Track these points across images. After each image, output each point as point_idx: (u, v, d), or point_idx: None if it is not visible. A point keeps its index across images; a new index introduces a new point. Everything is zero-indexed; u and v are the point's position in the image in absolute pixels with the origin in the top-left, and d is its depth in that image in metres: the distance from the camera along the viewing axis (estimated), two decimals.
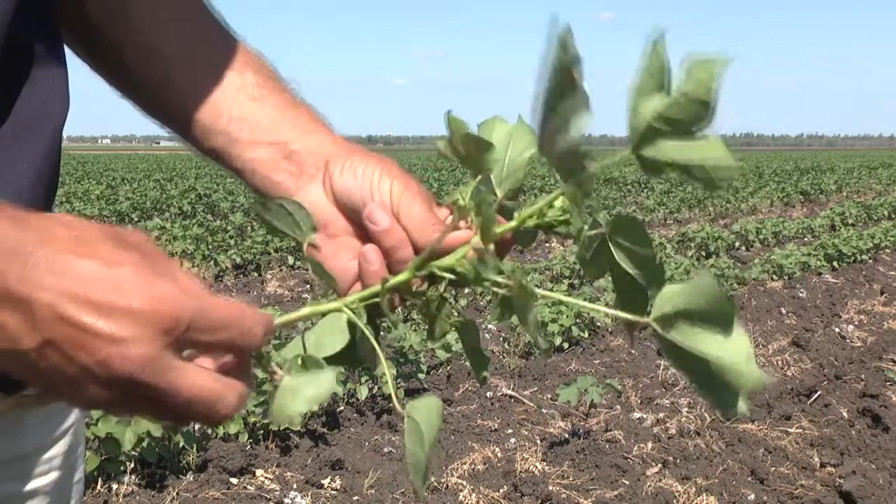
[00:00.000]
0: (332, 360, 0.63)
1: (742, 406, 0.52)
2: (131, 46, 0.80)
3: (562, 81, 0.48)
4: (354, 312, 0.63)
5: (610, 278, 0.59)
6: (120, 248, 0.52)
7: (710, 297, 0.51)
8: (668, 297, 0.53)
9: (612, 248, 0.57)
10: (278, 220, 0.65)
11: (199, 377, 0.53)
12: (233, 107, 0.78)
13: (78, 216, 0.53)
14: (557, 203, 0.60)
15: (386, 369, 0.62)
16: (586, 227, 0.57)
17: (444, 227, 0.66)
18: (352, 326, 0.64)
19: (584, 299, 5.44)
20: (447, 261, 0.62)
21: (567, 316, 5.22)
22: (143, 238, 0.54)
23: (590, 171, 0.55)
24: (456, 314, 0.66)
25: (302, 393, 0.57)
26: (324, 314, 0.64)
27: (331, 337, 0.64)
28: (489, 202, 0.60)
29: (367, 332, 0.62)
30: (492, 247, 0.62)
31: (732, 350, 0.51)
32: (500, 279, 0.60)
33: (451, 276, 0.62)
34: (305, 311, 0.63)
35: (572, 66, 0.48)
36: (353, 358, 0.65)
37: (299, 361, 0.59)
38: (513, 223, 0.61)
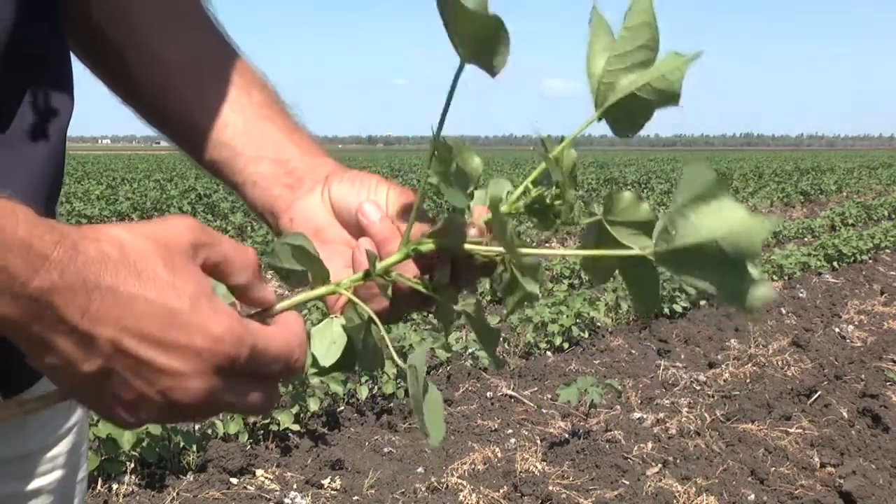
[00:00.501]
0: (330, 369, 0.64)
1: (765, 291, 0.51)
2: (133, 50, 0.80)
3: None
4: (352, 296, 0.64)
5: (614, 280, 0.59)
6: (176, 274, 0.53)
7: (697, 180, 0.50)
8: (661, 217, 0.54)
9: (611, 230, 0.57)
10: (285, 259, 0.65)
11: (248, 400, 0.57)
12: (237, 121, 0.79)
13: (125, 224, 0.54)
14: (542, 188, 0.60)
15: (387, 340, 0.62)
16: (575, 195, 0.58)
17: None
18: (348, 330, 0.64)
19: (584, 300, 5.44)
20: (439, 242, 0.63)
21: (567, 316, 5.22)
22: (188, 231, 0.55)
23: (563, 146, 0.57)
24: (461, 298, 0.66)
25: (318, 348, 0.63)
26: (319, 297, 0.65)
27: (325, 347, 0.64)
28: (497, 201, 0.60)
29: (370, 312, 0.63)
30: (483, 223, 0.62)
31: (729, 218, 0.50)
32: (489, 249, 0.60)
33: (432, 245, 0.63)
34: (301, 297, 0.64)
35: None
36: (349, 363, 0.65)
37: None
38: (503, 208, 0.61)
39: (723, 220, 0.49)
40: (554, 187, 0.60)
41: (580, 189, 0.61)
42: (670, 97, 0.55)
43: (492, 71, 0.55)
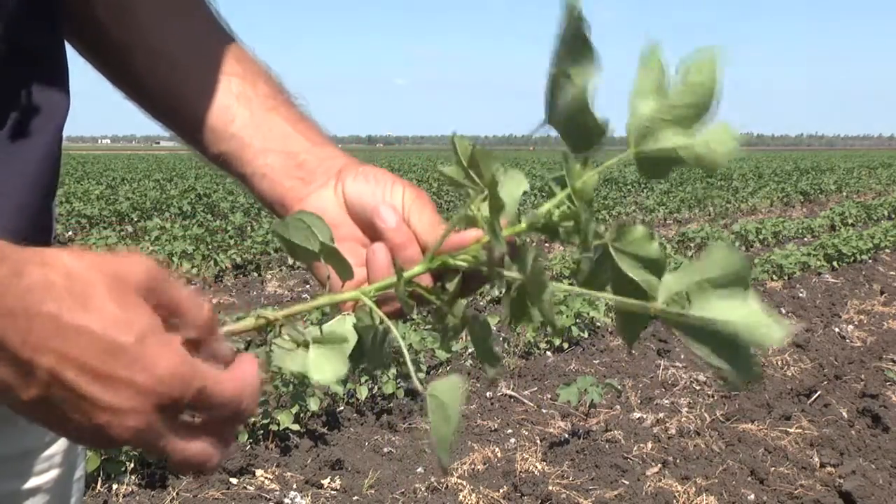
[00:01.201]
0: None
1: (757, 371, 0.53)
2: (139, 48, 0.80)
3: (568, 38, 0.49)
4: (373, 302, 0.63)
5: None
6: (124, 308, 0.50)
7: (726, 265, 0.51)
8: (674, 280, 0.54)
9: (615, 255, 0.57)
10: (297, 235, 0.64)
11: (189, 447, 0.53)
12: (244, 114, 0.79)
13: (75, 251, 0.51)
14: (562, 209, 0.60)
15: (405, 351, 0.62)
16: (592, 225, 0.57)
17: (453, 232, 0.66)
18: (359, 328, 0.64)
19: (584, 300, 5.44)
20: (461, 256, 0.63)
21: (567, 316, 5.22)
22: (144, 271, 0.52)
23: (590, 174, 0.55)
24: (467, 311, 0.66)
25: (323, 367, 0.61)
26: (339, 304, 0.65)
27: (335, 347, 0.64)
28: (500, 206, 0.59)
29: (387, 321, 0.63)
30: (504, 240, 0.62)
31: (752, 309, 0.51)
32: (513, 273, 0.60)
33: (464, 265, 0.62)
34: (323, 300, 0.63)
35: (579, 23, 0.48)
36: (357, 358, 0.65)
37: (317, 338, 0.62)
38: (522, 225, 0.61)
39: (744, 312, 0.51)
40: (567, 209, 0.60)
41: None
42: (709, 166, 0.54)
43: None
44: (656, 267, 0.56)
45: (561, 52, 0.52)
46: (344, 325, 0.64)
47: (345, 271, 0.65)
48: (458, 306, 0.65)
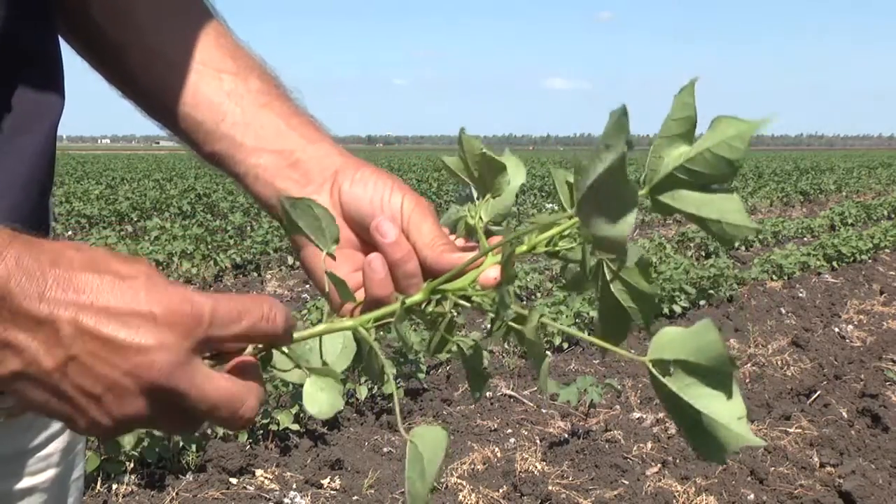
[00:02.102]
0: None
1: (725, 459, 0.52)
2: (134, 47, 0.80)
3: (613, 177, 0.48)
4: (368, 332, 0.63)
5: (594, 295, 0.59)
6: (128, 263, 0.53)
7: (711, 355, 0.50)
8: (668, 341, 0.53)
9: (608, 276, 0.57)
10: (304, 219, 0.63)
11: (223, 380, 0.54)
12: (236, 111, 0.78)
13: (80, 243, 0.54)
14: (566, 240, 0.60)
15: (392, 383, 0.62)
16: (592, 263, 0.57)
17: (453, 247, 0.66)
18: (357, 339, 0.64)
19: (583, 300, 5.44)
20: (459, 283, 0.62)
21: (567, 316, 5.22)
22: (143, 259, 0.55)
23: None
24: (462, 335, 0.66)
25: (318, 398, 0.59)
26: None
27: (337, 352, 0.63)
28: (513, 240, 0.59)
29: (379, 353, 0.62)
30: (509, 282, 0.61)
31: (727, 409, 0.50)
32: (517, 310, 0.59)
33: (467, 305, 0.62)
34: (321, 328, 0.63)
35: (624, 161, 0.47)
36: (357, 361, 0.65)
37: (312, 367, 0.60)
38: (523, 247, 0.60)
39: (718, 406, 0.50)
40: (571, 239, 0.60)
41: None
42: (723, 242, 0.54)
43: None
44: (645, 300, 0.57)
45: (602, 179, 0.50)
46: (339, 336, 0.63)
47: (346, 294, 0.64)
48: (448, 325, 0.64)
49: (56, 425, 0.84)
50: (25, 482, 0.81)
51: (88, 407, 0.51)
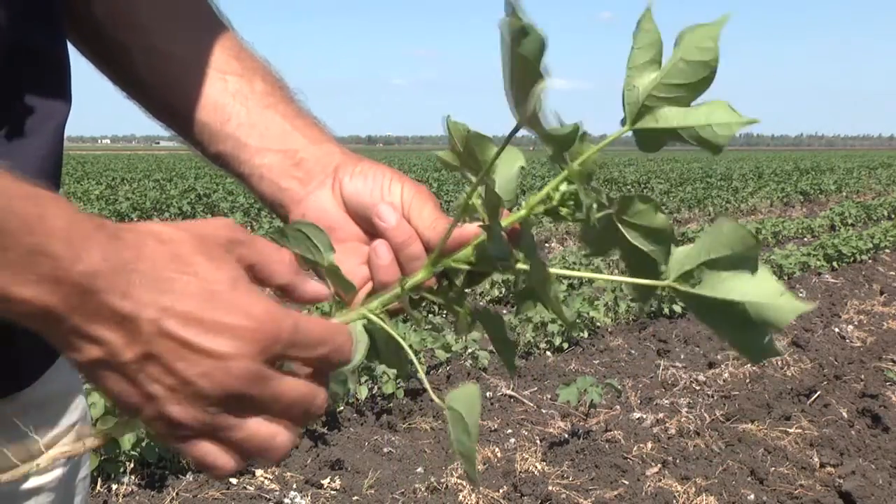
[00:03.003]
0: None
1: (777, 347, 0.51)
2: (139, 48, 0.80)
3: (512, 59, 0.47)
4: (380, 318, 0.63)
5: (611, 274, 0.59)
6: (213, 260, 0.53)
7: (734, 241, 0.50)
8: (685, 255, 0.52)
9: (622, 227, 0.56)
10: (296, 245, 0.64)
11: (295, 382, 0.55)
12: (241, 112, 0.78)
13: (156, 223, 0.55)
14: (563, 187, 0.59)
15: (417, 364, 0.62)
16: (594, 205, 0.56)
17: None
18: (368, 330, 0.64)
19: (583, 300, 5.44)
20: (462, 255, 0.62)
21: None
22: (224, 227, 0.56)
23: (589, 154, 0.54)
24: (477, 306, 0.66)
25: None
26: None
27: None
28: (492, 187, 0.59)
29: (395, 336, 0.62)
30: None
31: (763, 287, 0.50)
32: (513, 263, 0.59)
33: (467, 267, 0.62)
34: (333, 321, 0.63)
35: (520, 38, 0.46)
36: (372, 357, 0.65)
37: None
38: (521, 212, 0.60)
39: (756, 289, 0.50)
40: (568, 191, 0.59)
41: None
42: (711, 147, 0.53)
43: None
44: (664, 237, 0.55)
45: (508, 66, 0.49)
46: (355, 326, 0.64)
47: (347, 288, 0.64)
48: (466, 302, 0.65)
49: (62, 426, 0.84)
50: (32, 482, 0.81)
51: (161, 400, 0.52)
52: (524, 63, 0.47)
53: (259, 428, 0.55)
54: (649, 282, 0.55)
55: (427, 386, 0.62)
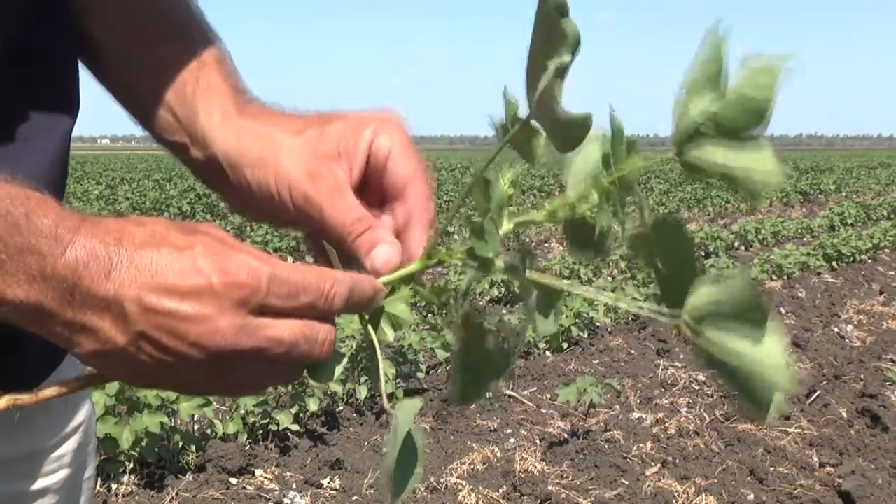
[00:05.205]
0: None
1: (775, 409, 0.49)
2: (127, 61, 0.79)
3: (542, 21, 0.45)
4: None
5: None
6: (189, 234, 0.54)
7: (742, 298, 0.48)
8: (701, 297, 0.50)
9: (652, 246, 0.53)
10: None
11: (290, 322, 0.54)
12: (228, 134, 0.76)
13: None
14: (592, 197, 0.56)
15: (382, 374, 0.61)
16: (614, 225, 0.54)
17: (366, 224, 0.64)
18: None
19: (583, 300, 5.44)
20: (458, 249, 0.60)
21: (566, 316, 5.22)
22: (212, 225, 0.56)
23: (633, 160, 0.52)
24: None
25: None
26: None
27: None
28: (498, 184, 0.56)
29: (376, 343, 0.61)
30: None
31: (766, 352, 0.48)
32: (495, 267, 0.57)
33: (460, 263, 0.59)
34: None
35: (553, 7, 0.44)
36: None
37: None
38: (538, 214, 0.58)
39: (757, 350, 0.48)
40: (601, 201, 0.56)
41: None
42: (748, 195, 0.50)
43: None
44: (688, 266, 0.52)
45: (537, 38, 0.48)
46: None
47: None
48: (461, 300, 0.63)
49: (69, 426, 0.84)
50: (39, 483, 0.80)
51: (168, 374, 0.54)
52: (547, 21, 0.45)
53: (270, 369, 0.55)
54: (664, 311, 0.53)
55: (384, 391, 0.60)
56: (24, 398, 0.56)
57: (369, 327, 0.62)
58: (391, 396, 4.13)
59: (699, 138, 0.49)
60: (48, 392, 0.57)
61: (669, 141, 0.51)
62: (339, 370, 0.60)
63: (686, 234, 0.52)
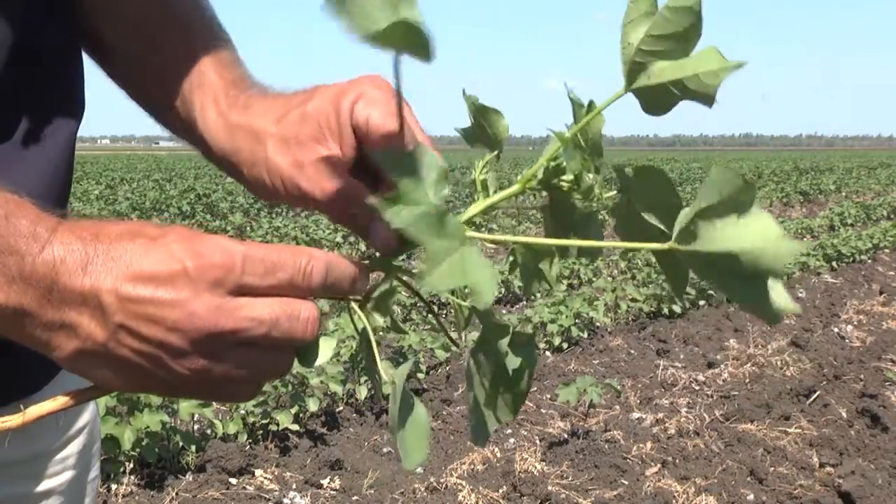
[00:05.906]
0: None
1: (788, 304, 0.48)
2: (129, 58, 0.80)
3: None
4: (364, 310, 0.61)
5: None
6: (164, 227, 0.54)
7: (722, 185, 0.46)
8: (686, 214, 0.49)
9: (634, 201, 0.54)
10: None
11: (269, 300, 0.53)
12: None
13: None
14: (557, 161, 0.56)
15: (372, 338, 0.60)
16: (591, 176, 0.55)
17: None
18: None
19: (583, 300, 5.44)
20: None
21: (566, 316, 5.22)
22: (182, 226, 0.56)
23: (585, 120, 0.53)
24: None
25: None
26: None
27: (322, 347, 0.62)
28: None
29: (369, 330, 0.61)
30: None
31: (760, 232, 0.46)
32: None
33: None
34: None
35: None
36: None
37: None
38: (515, 187, 0.58)
39: (752, 234, 0.46)
40: (570, 170, 0.56)
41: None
42: (704, 99, 0.51)
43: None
44: (674, 210, 0.51)
45: None
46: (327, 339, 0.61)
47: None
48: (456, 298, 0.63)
49: (73, 428, 0.84)
50: (43, 485, 0.80)
51: (152, 370, 0.53)
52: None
53: (256, 355, 0.54)
54: (650, 245, 0.52)
55: (377, 359, 0.60)
56: (12, 420, 0.56)
57: (361, 313, 0.61)
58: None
59: (646, 62, 0.51)
60: (35, 410, 0.56)
61: (623, 86, 0.52)
62: (329, 353, 0.59)
63: (666, 175, 0.53)
